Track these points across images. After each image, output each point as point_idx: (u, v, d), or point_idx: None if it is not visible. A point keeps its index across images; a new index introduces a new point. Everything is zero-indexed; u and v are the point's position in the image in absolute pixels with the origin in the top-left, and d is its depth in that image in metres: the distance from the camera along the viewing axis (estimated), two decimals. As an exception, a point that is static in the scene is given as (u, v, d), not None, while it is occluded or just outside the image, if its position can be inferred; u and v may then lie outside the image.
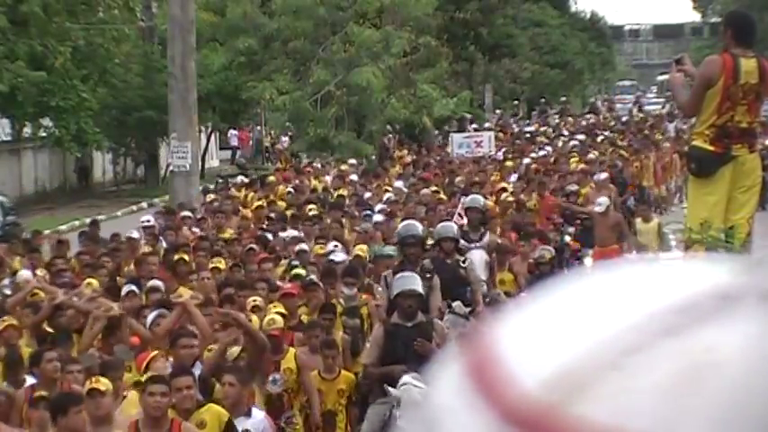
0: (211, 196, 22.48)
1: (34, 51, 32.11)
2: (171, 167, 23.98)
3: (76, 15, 34.57)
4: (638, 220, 19.87)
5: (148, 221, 18.19)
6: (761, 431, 0.80)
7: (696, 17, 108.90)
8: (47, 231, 18.91)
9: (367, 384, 10.75)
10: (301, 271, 13.66)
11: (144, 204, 35.05)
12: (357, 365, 11.57)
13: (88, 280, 12.96)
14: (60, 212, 32.45)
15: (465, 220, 15.74)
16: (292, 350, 11.17)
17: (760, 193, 10.39)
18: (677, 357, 0.82)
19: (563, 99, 61.22)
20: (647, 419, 0.80)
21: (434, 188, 22.64)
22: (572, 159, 27.98)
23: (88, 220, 20.33)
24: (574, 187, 21.25)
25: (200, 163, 29.85)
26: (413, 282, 10.87)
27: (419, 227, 13.19)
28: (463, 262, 13.20)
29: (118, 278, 14.16)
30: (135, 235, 16.93)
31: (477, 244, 14.44)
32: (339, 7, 32.22)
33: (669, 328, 0.83)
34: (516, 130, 46.96)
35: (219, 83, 35.75)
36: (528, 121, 54.60)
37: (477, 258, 13.80)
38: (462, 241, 14.06)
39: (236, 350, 10.75)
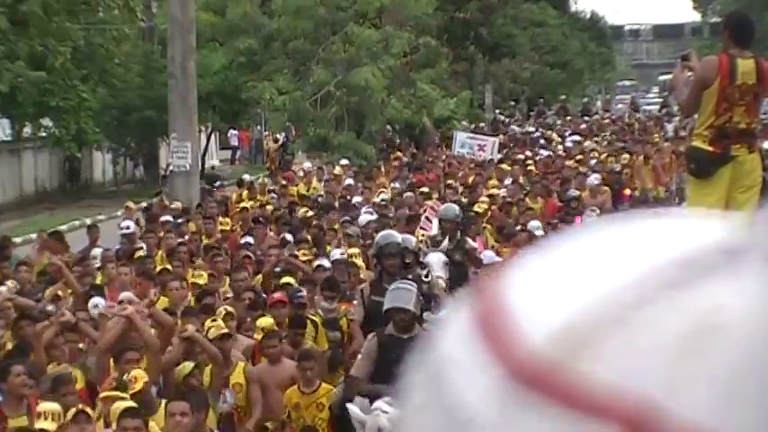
0: (178, 203, 21.46)
1: (34, 51, 32.10)
2: (170, 167, 23.95)
3: (76, 15, 34.55)
4: None
5: (128, 228, 17.76)
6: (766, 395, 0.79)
7: (696, 17, 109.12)
8: (19, 239, 18.09)
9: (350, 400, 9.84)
10: (290, 279, 13.22)
11: (144, 204, 35.03)
12: (335, 379, 11.12)
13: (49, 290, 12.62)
14: (60, 212, 32.44)
15: (434, 227, 15.03)
16: (241, 364, 10.76)
17: (761, 194, 10.39)
18: (682, 315, 0.81)
19: (562, 98, 61.16)
20: (652, 380, 0.80)
21: (425, 190, 21.97)
22: (572, 162, 27.71)
23: (89, 221, 20.14)
24: (575, 193, 20.87)
25: (199, 163, 29.82)
26: (406, 298, 10.26)
27: (399, 237, 12.41)
28: (425, 276, 12.60)
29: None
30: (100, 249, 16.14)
31: (434, 249, 13.81)
32: (339, 7, 32.21)
33: (673, 283, 0.82)
34: (517, 130, 46.79)
35: (219, 83, 35.73)
36: (526, 123, 54.52)
37: (435, 260, 13.24)
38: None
39: (188, 365, 10.33)
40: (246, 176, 28.10)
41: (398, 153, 33.51)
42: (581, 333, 0.82)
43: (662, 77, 74.14)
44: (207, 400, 9.43)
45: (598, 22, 79.81)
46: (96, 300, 11.86)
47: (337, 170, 26.27)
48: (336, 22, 32.08)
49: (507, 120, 54.88)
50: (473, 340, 0.86)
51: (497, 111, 55.70)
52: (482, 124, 47.58)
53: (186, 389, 9.61)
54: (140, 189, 39.33)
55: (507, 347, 0.84)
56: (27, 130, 35.50)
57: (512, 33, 53.38)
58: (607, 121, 49.68)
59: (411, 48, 32.81)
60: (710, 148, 9.41)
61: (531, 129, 47.29)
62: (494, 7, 47.36)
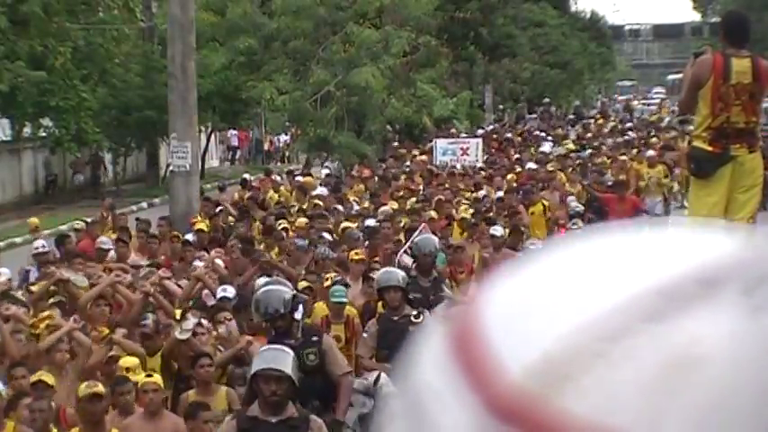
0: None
1: (34, 51, 32.11)
2: (171, 167, 23.93)
3: (76, 15, 34.58)
4: None
5: (43, 247, 15.57)
6: (743, 430, 0.79)
7: (696, 17, 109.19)
8: (19, 239, 17.55)
9: None
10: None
11: (144, 204, 35.07)
12: None
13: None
14: (60, 212, 32.42)
15: (411, 261, 12.99)
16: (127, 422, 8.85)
17: (762, 193, 10.39)
18: (660, 348, 0.81)
19: (545, 101, 60.85)
20: (629, 415, 0.80)
21: (393, 204, 20.04)
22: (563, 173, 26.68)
23: (89, 221, 19.89)
24: (578, 208, 19.54)
25: (199, 163, 29.82)
26: (281, 359, 7.68)
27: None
28: (415, 317, 10.65)
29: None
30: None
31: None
32: (339, 7, 32.19)
33: (652, 314, 0.82)
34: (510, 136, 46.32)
35: (219, 83, 35.74)
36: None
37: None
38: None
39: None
40: (247, 176, 28.10)
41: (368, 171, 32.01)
42: (560, 365, 0.81)
43: (670, 77, 73.64)
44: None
45: (598, 22, 79.90)
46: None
47: (308, 179, 24.81)
48: (336, 22, 32.06)
49: (496, 125, 54.72)
50: (450, 369, 0.85)
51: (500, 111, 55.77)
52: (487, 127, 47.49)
53: None
54: (141, 189, 39.37)
55: (485, 379, 0.83)
56: (27, 130, 35.52)
57: (512, 33, 53.40)
58: (604, 127, 48.35)
59: (411, 48, 32.78)
60: (710, 148, 9.42)
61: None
62: (494, 7, 47.38)
